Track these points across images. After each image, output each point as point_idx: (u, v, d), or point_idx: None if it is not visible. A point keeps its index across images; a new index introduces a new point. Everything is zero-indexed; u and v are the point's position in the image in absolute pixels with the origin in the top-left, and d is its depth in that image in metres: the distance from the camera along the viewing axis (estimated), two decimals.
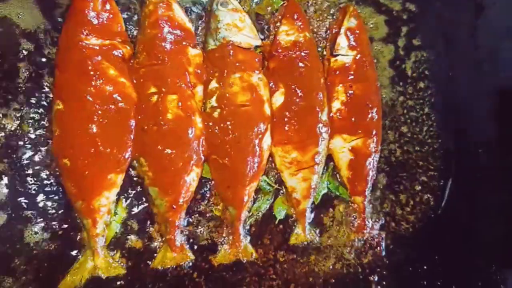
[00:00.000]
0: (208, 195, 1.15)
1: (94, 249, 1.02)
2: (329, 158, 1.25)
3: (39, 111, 1.04)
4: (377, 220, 1.30)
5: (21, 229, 1.00)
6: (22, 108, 1.02)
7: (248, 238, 1.17)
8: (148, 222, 1.10)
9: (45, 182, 1.03)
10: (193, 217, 1.14)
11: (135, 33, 1.11)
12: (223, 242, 1.15)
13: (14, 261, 0.99)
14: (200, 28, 1.17)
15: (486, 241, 1.43)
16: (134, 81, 1.05)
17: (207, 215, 1.15)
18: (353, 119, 1.23)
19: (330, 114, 1.22)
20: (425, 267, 1.34)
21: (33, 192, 1.02)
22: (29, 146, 1.03)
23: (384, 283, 1.30)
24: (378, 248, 1.30)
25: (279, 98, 1.17)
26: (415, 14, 1.40)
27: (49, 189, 1.03)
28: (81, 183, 1.00)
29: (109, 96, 1.00)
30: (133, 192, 1.10)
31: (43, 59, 1.05)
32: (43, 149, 1.04)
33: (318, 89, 1.18)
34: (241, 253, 1.15)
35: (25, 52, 1.04)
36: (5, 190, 1.00)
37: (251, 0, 1.22)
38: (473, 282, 1.37)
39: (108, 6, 1.03)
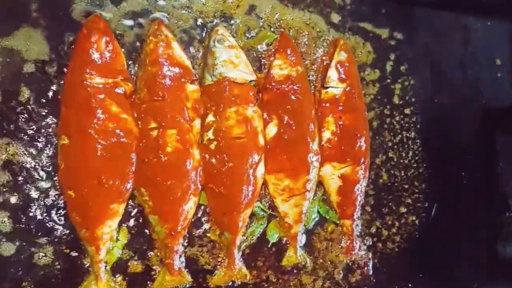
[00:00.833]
0: (204, 221, 1.22)
1: (97, 274, 1.09)
2: (319, 183, 1.32)
3: (43, 144, 1.09)
4: (364, 241, 1.38)
5: (31, 253, 1.06)
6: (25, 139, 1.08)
7: (242, 260, 1.24)
8: (148, 247, 1.16)
9: (53, 211, 1.09)
10: (190, 241, 1.20)
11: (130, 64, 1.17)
12: (218, 265, 1.22)
13: (24, 283, 1.06)
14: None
15: (468, 258, 1.51)
16: (135, 115, 1.11)
17: (204, 239, 1.21)
18: (342, 148, 1.30)
19: (320, 143, 1.29)
20: (409, 285, 1.42)
21: (42, 219, 1.08)
22: (36, 176, 1.08)
23: None
24: (366, 268, 1.37)
25: (272, 129, 1.24)
26: (402, 42, 1.47)
27: (57, 217, 1.09)
28: (85, 213, 1.06)
29: (112, 132, 1.06)
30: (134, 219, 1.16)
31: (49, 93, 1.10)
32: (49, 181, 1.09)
33: (310, 120, 1.25)
34: (236, 275, 1.22)
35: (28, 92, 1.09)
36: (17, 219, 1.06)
37: (244, 34, 1.28)
38: None
39: (111, 46, 1.09)
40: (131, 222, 1.16)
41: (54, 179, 1.10)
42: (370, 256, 1.38)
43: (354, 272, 1.37)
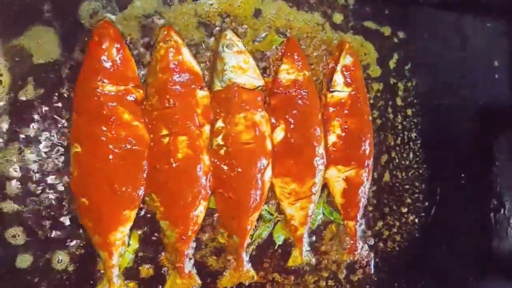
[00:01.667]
0: (213, 225, 1.24)
1: (110, 278, 1.11)
2: (324, 185, 1.35)
3: (54, 150, 1.10)
4: (366, 241, 1.42)
5: (46, 260, 1.08)
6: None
7: (250, 262, 1.27)
8: (159, 251, 1.18)
9: (66, 217, 1.10)
10: (200, 245, 1.22)
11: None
12: (227, 267, 1.25)
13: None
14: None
15: (465, 255, 1.56)
16: (146, 121, 1.11)
17: (213, 242, 1.24)
18: (347, 151, 1.32)
19: (326, 146, 1.31)
20: (409, 282, 1.47)
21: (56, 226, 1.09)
22: (48, 183, 1.09)
23: None
24: (368, 267, 1.42)
25: (279, 134, 1.25)
26: (404, 42, 1.49)
27: (70, 224, 1.10)
28: (98, 219, 1.08)
29: (125, 139, 1.07)
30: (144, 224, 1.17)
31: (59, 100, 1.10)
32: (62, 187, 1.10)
33: (316, 125, 1.28)
34: (243, 276, 1.25)
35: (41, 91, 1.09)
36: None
37: (251, 39, 1.29)
38: None
39: (121, 53, 1.09)
40: (142, 227, 1.17)
41: (62, 186, 1.10)
42: (372, 255, 1.42)
43: (356, 272, 1.41)
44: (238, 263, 1.24)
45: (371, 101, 1.43)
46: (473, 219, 1.60)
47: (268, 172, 1.23)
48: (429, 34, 1.54)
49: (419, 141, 1.52)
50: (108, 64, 1.07)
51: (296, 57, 1.28)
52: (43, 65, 1.08)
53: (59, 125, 1.10)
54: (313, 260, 1.34)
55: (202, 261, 1.23)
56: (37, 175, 1.08)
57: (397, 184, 1.48)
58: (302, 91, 1.26)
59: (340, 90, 1.32)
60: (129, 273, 1.16)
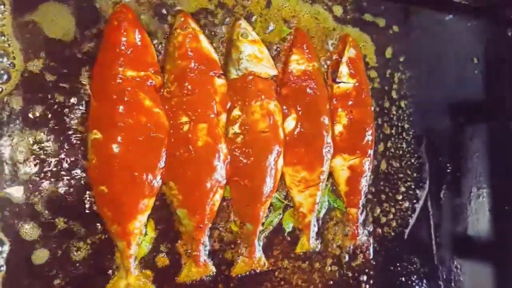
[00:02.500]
0: (226, 213, 1.24)
1: (127, 268, 1.09)
2: (329, 174, 1.39)
3: (67, 136, 1.06)
4: (366, 227, 1.48)
5: (62, 252, 1.04)
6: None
7: (261, 249, 1.29)
8: (173, 240, 1.17)
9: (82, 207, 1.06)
10: (213, 233, 1.22)
11: None
12: (240, 255, 1.26)
13: (56, 279, 1.03)
14: None
15: (449, 238, 1.66)
16: (166, 107, 1.10)
17: (226, 230, 1.24)
18: (352, 140, 1.37)
19: (333, 136, 1.35)
20: (404, 264, 1.55)
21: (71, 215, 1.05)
22: (63, 171, 1.05)
23: (371, 281, 1.48)
24: (367, 252, 1.48)
25: (291, 123, 1.28)
26: (398, 36, 1.56)
27: (86, 213, 1.07)
28: (117, 208, 1.05)
29: (146, 126, 1.05)
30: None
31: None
32: (77, 175, 1.06)
33: (325, 114, 1.31)
34: (255, 264, 1.27)
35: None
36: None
37: (264, 28, 1.30)
38: (439, 274, 1.61)
39: (141, 38, 1.07)
40: (157, 216, 1.15)
41: (79, 174, 1.06)
42: (371, 241, 1.49)
43: (357, 256, 1.46)
44: (251, 250, 1.25)
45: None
46: (454, 205, 1.70)
47: (281, 161, 1.25)
48: (420, 29, 1.63)
49: (411, 132, 1.60)
50: (128, 49, 1.05)
51: (305, 48, 1.31)
52: (55, 42, 1.03)
53: (76, 110, 1.06)
54: (319, 247, 1.38)
55: (214, 250, 1.23)
56: (52, 162, 1.03)
57: (392, 173, 1.55)
58: (311, 82, 1.29)
59: (346, 81, 1.36)
60: (145, 263, 1.14)
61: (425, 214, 1.62)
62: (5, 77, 0.99)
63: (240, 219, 1.25)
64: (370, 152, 1.40)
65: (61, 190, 1.05)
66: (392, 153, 1.55)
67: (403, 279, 1.56)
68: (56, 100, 1.04)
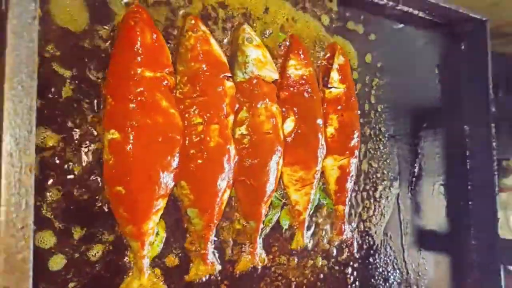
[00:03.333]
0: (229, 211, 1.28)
1: (141, 269, 1.09)
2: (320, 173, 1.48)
3: (81, 136, 1.04)
4: (350, 223, 1.58)
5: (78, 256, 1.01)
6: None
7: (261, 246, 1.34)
8: (181, 239, 1.19)
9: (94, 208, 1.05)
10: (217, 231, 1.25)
11: None
12: (242, 252, 1.30)
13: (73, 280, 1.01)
14: None
15: (416, 231, 1.82)
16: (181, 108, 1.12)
17: (230, 228, 1.28)
18: (342, 142, 1.47)
19: (325, 137, 1.44)
20: (381, 257, 1.67)
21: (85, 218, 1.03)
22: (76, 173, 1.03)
23: (355, 273, 1.59)
24: (352, 246, 1.58)
25: (289, 125, 1.34)
26: (376, 43, 1.69)
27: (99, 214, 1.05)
28: (133, 208, 1.05)
29: (163, 126, 1.06)
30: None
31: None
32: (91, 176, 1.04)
33: (320, 117, 1.40)
34: (257, 260, 1.32)
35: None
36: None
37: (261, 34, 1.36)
38: (408, 266, 1.75)
39: (157, 38, 1.08)
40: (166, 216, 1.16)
41: (94, 175, 1.05)
42: (355, 235, 1.59)
43: (343, 251, 1.56)
44: (253, 248, 1.30)
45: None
46: (421, 201, 1.87)
47: (281, 161, 1.31)
48: (393, 39, 1.77)
49: (386, 134, 1.73)
50: (145, 50, 1.05)
51: (301, 54, 1.38)
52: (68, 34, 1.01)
53: (87, 110, 1.04)
54: (311, 243, 1.46)
55: (217, 248, 1.26)
56: (66, 162, 1.01)
57: (372, 172, 1.67)
58: (308, 86, 1.37)
59: (337, 86, 1.46)
60: (154, 263, 1.14)
61: (397, 211, 1.76)
62: None
63: (243, 217, 1.28)
64: (357, 153, 1.51)
65: (75, 192, 1.02)
66: (372, 154, 1.67)
67: (380, 270, 1.68)
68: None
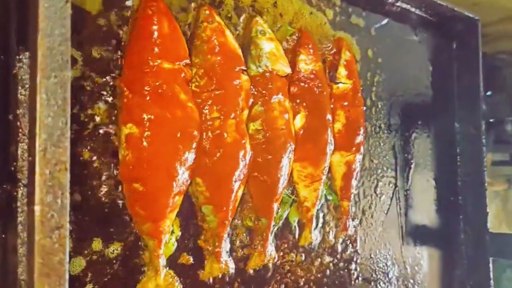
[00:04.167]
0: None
1: (157, 268, 1.04)
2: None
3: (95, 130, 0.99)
4: (355, 219, 1.59)
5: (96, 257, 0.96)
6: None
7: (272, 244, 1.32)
8: (195, 237, 1.15)
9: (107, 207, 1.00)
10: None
11: None
12: (253, 249, 1.27)
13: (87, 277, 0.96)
14: None
15: (412, 226, 1.85)
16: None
17: (241, 226, 1.25)
18: (348, 138, 1.46)
19: (333, 133, 1.43)
20: (382, 252, 1.69)
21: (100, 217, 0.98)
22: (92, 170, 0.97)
23: (358, 269, 1.59)
24: (355, 242, 1.59)
25: (300, 120, 1.33)
26: (376, 39, 1.70)
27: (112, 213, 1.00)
28: (152, 206, 1.00)
29: (182, 121, 1.02)
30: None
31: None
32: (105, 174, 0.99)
33: (329, 113, 1.38)
34: (268, 257, 1.30)
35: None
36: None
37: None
38: (405, 260, 1.78)
39: (174, 29, 1.03)
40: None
41: (108, 172, 1.00)
42: (358, 231, 1.60)
43: (347, 246, 1.56)
44: (264, 245, 1.28)
45: None
46: (416, 196, 1.90)
47: (292, 157, 1.29)
48: (389, 37, 1.79)
49: (385, 131, 1.75)
50: (162, 40, 1.01)
51: (310, 48, 1.37)
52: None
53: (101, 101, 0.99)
54: (319, 239, 1.45)
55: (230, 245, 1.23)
56: (80, 159, 0.96)
57: (373, 168, 1.68)
58: (318, 81, 1.35)
59: (344, 82, 1.45)
60: (169, 262, 1.10)
61: (395, 206, 1.78)
62: None
63: (255, 214, 1.26)
64: (362, 149, 1.51)
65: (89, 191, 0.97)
66: (373, 150, 1.68)
67: (381, 265, 1.69)
68: None
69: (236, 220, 1.24)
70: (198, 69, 1.10)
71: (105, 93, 0.99)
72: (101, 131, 0.99)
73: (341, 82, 1.44)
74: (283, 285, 1.34)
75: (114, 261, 1.00)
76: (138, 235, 1.04)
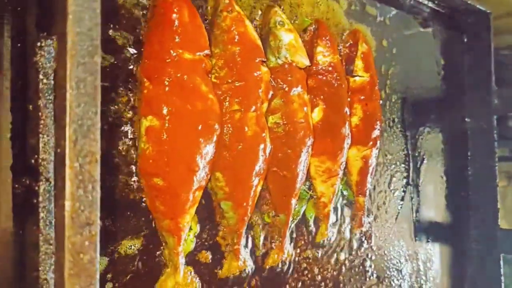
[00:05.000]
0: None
1: (176, 266, 1.01)
2: None
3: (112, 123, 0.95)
4: (369, 215, 1.56)
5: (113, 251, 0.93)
6: None
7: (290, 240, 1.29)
8: (213, 234, 1.12)
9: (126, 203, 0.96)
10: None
11: None
12: (271, 246, 1.24)
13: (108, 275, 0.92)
14: None
15: (425, 222, 1.82)
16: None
17: (260, 222, 1.22)
18: (366, 132, 1.43)
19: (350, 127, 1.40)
20: (395, 249, 1.66)
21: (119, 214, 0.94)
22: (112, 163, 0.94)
23: (373, 266, 1.57)
24: (370, 239, 1.56)
25: (318, 114, 1.29)
26: (389, 29, 1.67)
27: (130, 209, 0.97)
28: (172, 202, 0.97)
29: (203, 113, 0.98)
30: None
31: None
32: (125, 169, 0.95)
33: (347, 106, 1.35)
34: (286, 254, 1.26)
35: None
36: None
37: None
38: (418, 256, 1.76)
39: (195, 19, 0.99)
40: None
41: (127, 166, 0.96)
42: (373, 228, 1.57)
43: (362, 243, 1.54)
44: (282, 242, 1.25)
45: None
46: (428, 192, 1.88)
47: (311, 151, 1.26)
48: (402, 28, 1.75)
49: (398, 125, 1.72)
50: (183, 29, 0.97)
51: (328, 40, 1.33)
52: None
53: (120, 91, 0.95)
54: (335, 235, 1.42)
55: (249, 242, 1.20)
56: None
57: (386, 164, 1.65)
58: (336, 74, 1.32)
59: (361, 75, 1.42)
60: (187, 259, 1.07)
61: (408, 202, 1.75)
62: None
63: (274, 210, 1.23)
64: (379, 143, 1.48)
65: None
66: (388, 145, 1.65)
67: (395, 262, 1.67)
68: None
69: (255, 216, 1.20)
70: (218, 60, 1.06)
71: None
72: (119, 123, 0.95)
73: (358, 75, 1.41)
74: (300, 283, 1.31)
75: (134, 259, 0.96)
76: (158, 232, 1.00)
